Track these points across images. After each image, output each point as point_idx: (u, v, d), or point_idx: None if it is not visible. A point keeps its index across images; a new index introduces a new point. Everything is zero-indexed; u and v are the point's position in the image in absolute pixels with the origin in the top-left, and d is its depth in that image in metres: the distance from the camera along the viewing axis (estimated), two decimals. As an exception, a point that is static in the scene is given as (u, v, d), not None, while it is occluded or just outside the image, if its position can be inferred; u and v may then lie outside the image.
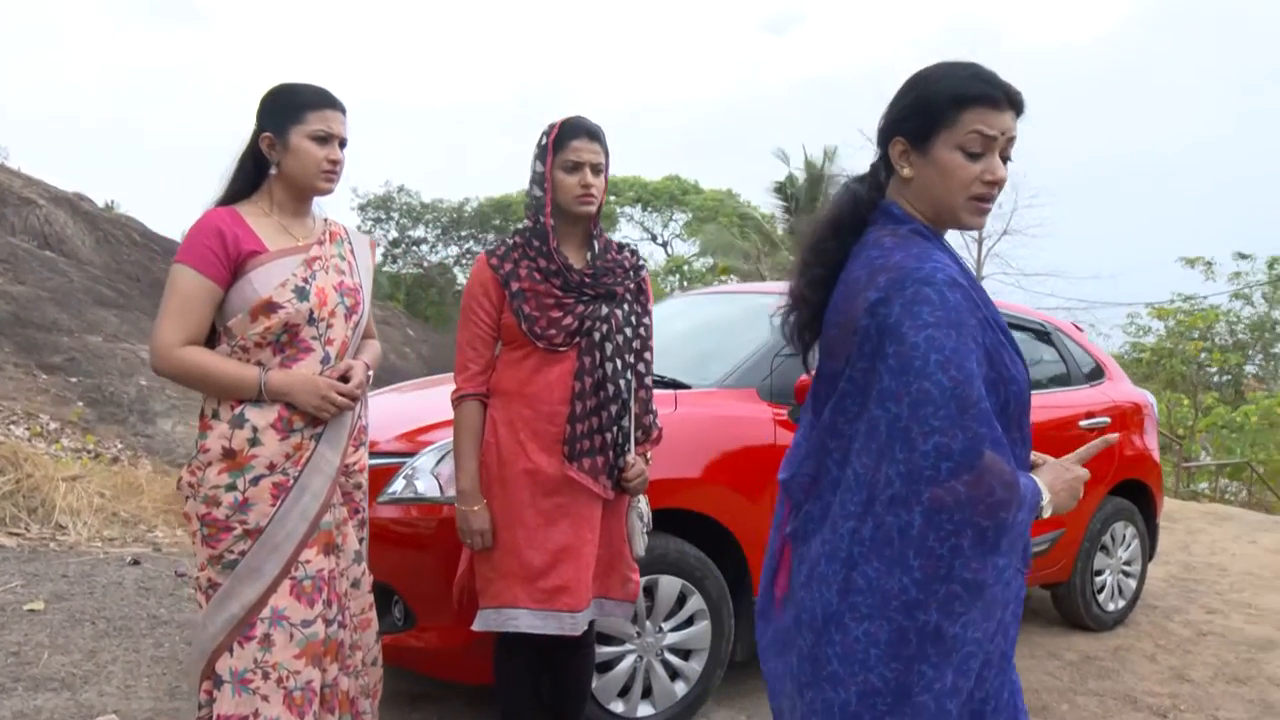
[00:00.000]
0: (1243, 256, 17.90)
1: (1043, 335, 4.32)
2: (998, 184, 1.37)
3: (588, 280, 2.17)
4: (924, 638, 1.29)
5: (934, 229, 1.43)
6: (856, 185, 1.50)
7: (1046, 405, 3.99)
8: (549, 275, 2.15)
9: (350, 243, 2.04)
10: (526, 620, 2.11)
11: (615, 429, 2.17)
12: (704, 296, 4.34)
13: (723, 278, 22.81)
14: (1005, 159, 1.39)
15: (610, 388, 2.15)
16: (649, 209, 32.58)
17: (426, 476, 2.62)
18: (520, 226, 2.26)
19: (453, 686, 3.00)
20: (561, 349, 2.14)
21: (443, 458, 2.66)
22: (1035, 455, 1.52)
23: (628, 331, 2.22)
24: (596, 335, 2.16)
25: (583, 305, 2.16)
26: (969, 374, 1.26)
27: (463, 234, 30.17)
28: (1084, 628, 4.17)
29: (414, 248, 29.77)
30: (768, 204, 25.04)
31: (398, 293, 28.29)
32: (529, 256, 2.17)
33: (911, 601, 1.28)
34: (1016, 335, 4.23)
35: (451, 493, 2.58)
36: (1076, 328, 4.65)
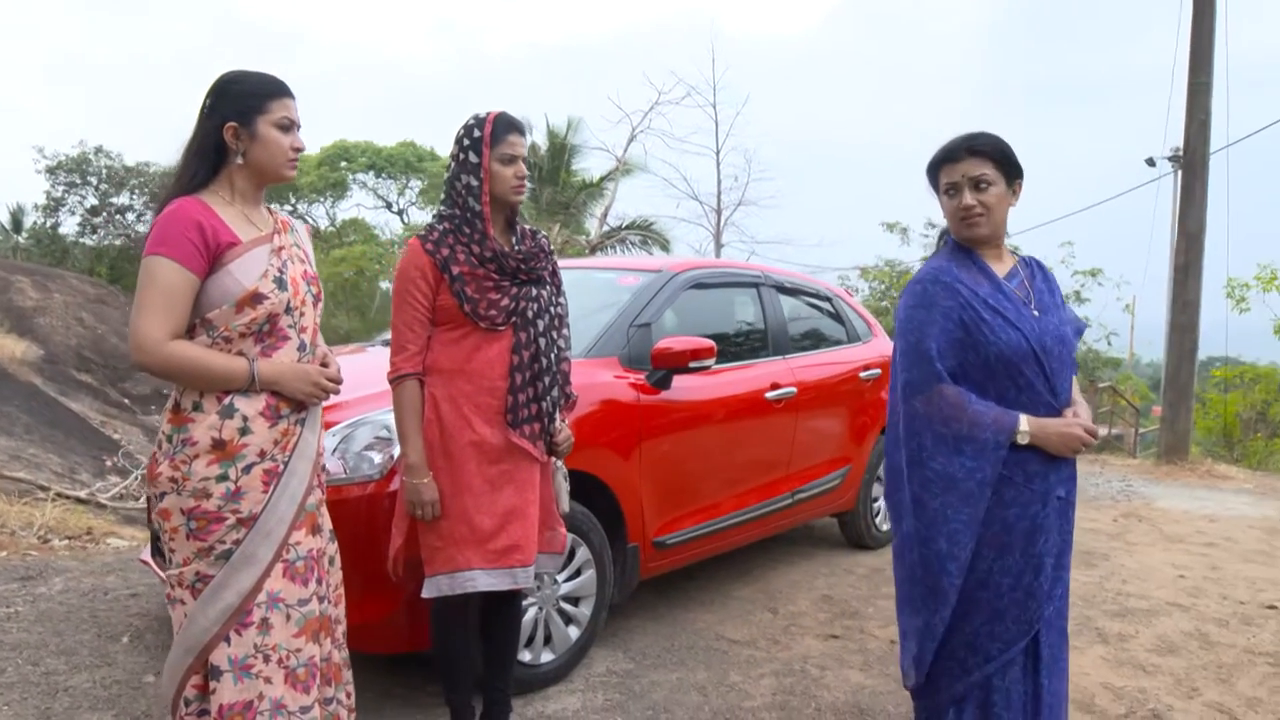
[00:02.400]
0: (932, 225, 20.80)
1: (825, 300, 4.99)
2: (969, 209, 2.04)
3: (521, 265, 2.35)
4: (915, 504, 2.02)
5: (973, 246, 2.13)
6: None
7: (834, 361, 4.66)
8: (484, 260, 2.30)
9: (297, 231, 2.06)
10: (483, 580, 2.29)
11: (548, 399, 2.38)
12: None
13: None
14: (979, 187, 2.04)
15: (544, 360, 2.36)
16: (383, 175, 31.21)
17: (331, 459, 2.66)
18: (444, 212, 2.37)
19: (367, 658, 3.05)
20: (500, 328, 2.32)
21: (343, 439, 2.71)
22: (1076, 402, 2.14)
23: (552, 310, 2.43)
24: (529, 314, 2.36)
25: (516, 287, 2.35)
26: (924, 336, 2.01)
27: (175, 201, 27.23)
28: (864, 546, 4.94)
29: (118, 216, 26.56)
30: (509, 172, 24.88)
31: (99, 266, 25.15)
32: (462, 242, 2.30)
33: (903, 478, 2.05)
34: (803, 299, 4.91)
35: (354, 473, 2.66)
36: (849, 293, 5.40)
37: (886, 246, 26.12)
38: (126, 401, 13.91)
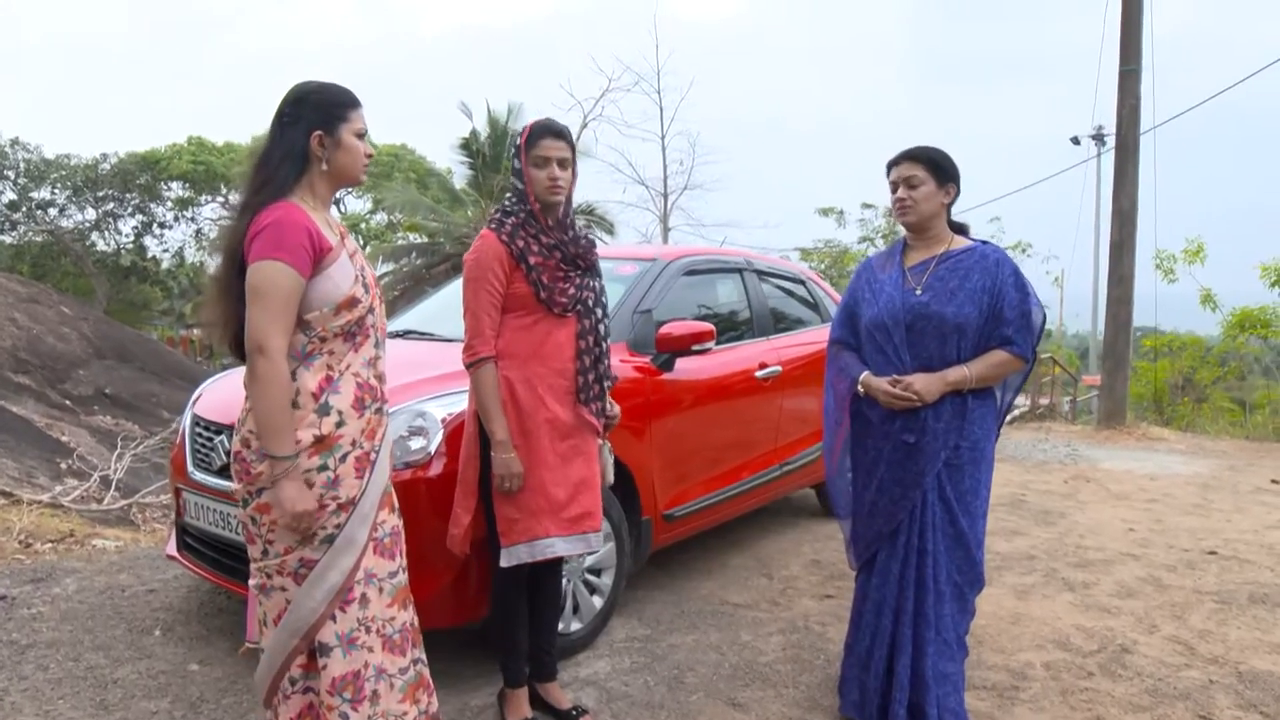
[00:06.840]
0: (867, 206, 21.38)
1: (799, 282, 5.24)
2: (900, 200, 2.60)
3: (580, 254, 2.53)
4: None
5: (908, 236, 2.70)
6: None
7: (811, 340, 4.90)
8: (550, 250, 2.49)
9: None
10: (561, 545, 2.48)
11: (607, 378, 2.59)
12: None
13: (408, 235, 22.36)
14: (911, 185, 2.57)
15: (604, 344, 2.58)
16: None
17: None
18: (509, 208, 2.54)
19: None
20: (568, 314, 2.50)
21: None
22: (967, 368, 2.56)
23: (603, 298, 2.63)
24: (589, 302, 2.56)
25: (579, 277, 2.54)
26: (840, 308, 2.80)
27: (100, 194, 26.39)
28: (842, 514, 5.22)
29: (39, 211, 25.54)
30: (446, 159, 24.63)
31: (20, 264, 24.23)
32: (531, 234, 2.48)
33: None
34: (781, 283, 5.18)
35: (396, 460, 2.80)
36: (818, 275, 5.66)
37: (824, 228, 26.68)
38: (68, 403, 13.52)
